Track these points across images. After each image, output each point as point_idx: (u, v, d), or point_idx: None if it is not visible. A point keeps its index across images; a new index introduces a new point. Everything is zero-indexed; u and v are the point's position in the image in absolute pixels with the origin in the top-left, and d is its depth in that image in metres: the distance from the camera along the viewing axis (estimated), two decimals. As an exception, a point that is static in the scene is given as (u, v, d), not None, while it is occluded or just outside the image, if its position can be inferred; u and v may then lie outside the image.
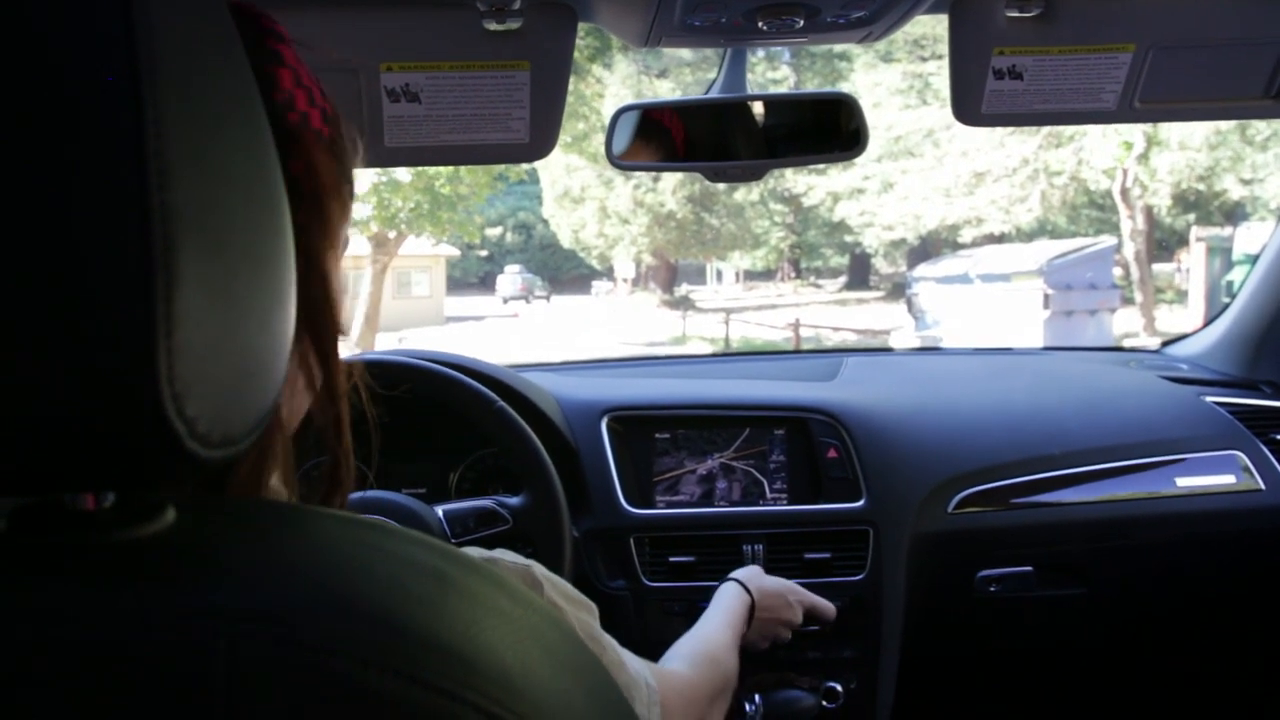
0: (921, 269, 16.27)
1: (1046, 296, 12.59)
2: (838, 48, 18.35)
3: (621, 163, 1.46)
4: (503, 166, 13.43)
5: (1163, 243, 20.53)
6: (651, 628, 1.67)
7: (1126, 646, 2.02)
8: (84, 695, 0.35)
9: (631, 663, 0.95)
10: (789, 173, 19.77)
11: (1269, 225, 14.08)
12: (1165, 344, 2.41)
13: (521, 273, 29.34)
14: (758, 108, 1.48)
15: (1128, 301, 14.58)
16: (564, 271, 32.38)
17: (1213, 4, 1.30)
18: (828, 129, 1.47)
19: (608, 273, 28.56)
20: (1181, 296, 17.13)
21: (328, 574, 0.41)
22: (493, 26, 1.22)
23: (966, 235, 18.20)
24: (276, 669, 0.36)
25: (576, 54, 1.45)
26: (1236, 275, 11.70)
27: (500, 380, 1.63)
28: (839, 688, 1.67)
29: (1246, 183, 14.63)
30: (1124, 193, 14.44)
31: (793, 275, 28.15)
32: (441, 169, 12.78)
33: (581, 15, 1.27)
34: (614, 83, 18.43)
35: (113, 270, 0.35)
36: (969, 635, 1.92)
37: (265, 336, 0.42)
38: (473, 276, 33.68)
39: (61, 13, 0.34)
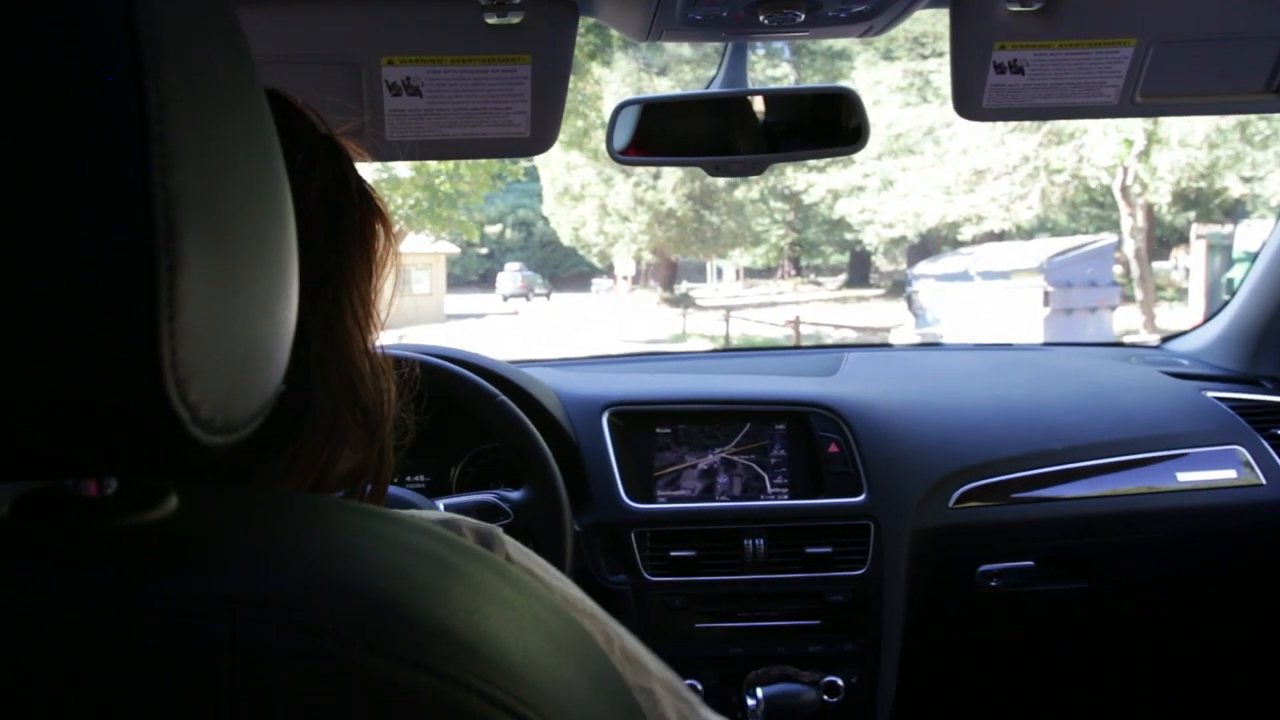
0: (922, 267, 16.28)
1: (1047, 294, 12.59)
2: (838, 45, 18.36)
3: (623, 158, 1.46)
4: (502, 164, 13.45)
5: (1163, 240, 20.52)
6: (652, 622, 1.67)
7: (1127, 640, 2.02)
8: (88, 681, 0.35)
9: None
10: (789, 170, 19.80)
11: (1269, 223, 14.06)
12: (1166, 339, 2.41)
13: (522, 270, 29.35)
14: (758, 103, 1.48)
15: (1128, 299, 14.58)
16: (564, 269, 32.40)
17: None
18: (829, 124, 1.47)
19: (608, 270, 28.57)
20: (1182, 294, 17.12)
21: (332, 560, 0.41)
22: (494, 20, 1.22)
23: (967, 233, 18.20)
24: (281, 654, 0.36)
25: (576, 51, 1.45)
26: (1237, 272, 11.70)
27: (501, 375, 1.63)
28: (840, 682, 1.67)
29: (1247, 180, 14.62)
30: (1124, 190, 14.44)
31: (793, 273, 28.15)
32: (442, 165, 12.79)
33: (583, 9, 1.27)
34: (614, 80, 18.42)
35: (116, 256, 0.35)
36: (970, 629, 1.92)
37: (268, 323, 0.42)
38: (473, 274, 33.70)
39: (64, 2, 0.34)
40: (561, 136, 1.41)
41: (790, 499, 1.75)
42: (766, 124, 1.48)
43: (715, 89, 1.45)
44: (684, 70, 19.42)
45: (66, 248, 0.34)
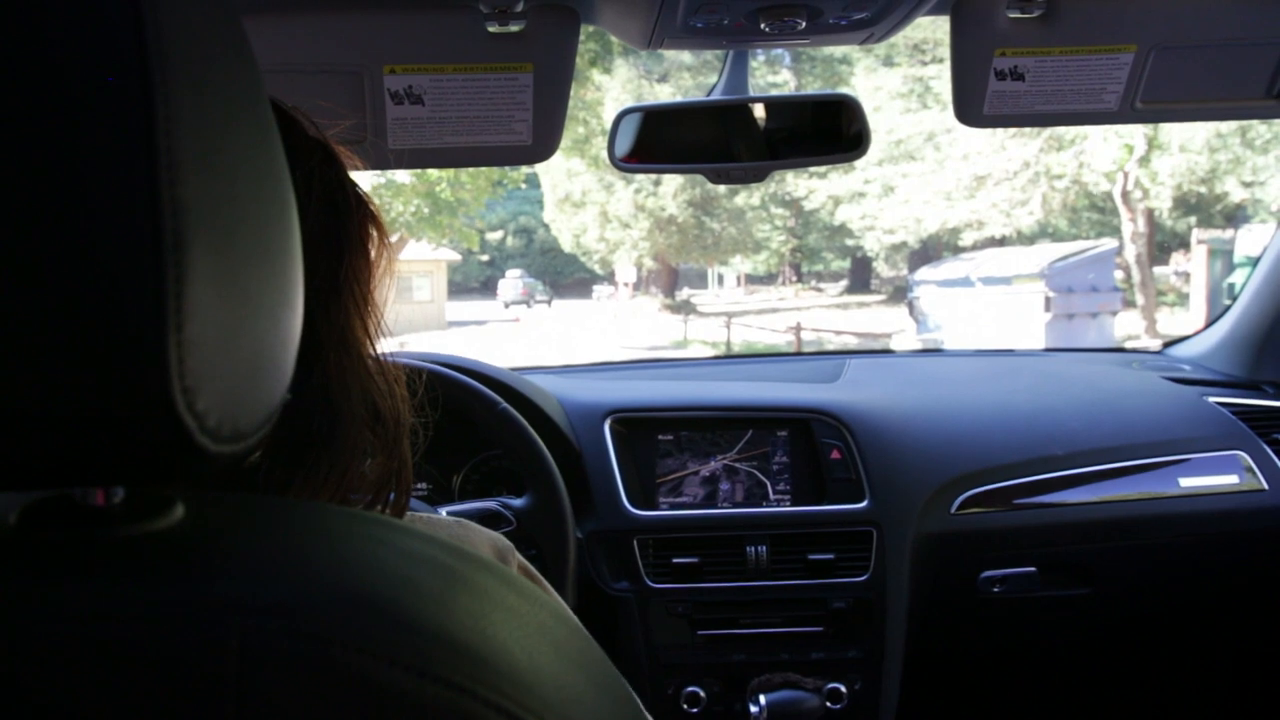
0: (923, 272, 16.27)
1: (1048, 299, 12.58)
2: (838, 52, 18.38)
3: (624, 165, 1.47)
4: (503, 171, 13.46)
5: (1164, 245, 20.52)
6: (654, 629, 1.67)
7: (1130, 646, 2.02)
8: (96, 689, 0.35)
9: None
10: (790, 176, 19.79)
11: (1270, 228, 14.07)
12: (1167, 345, 2.41)
13: (523, 277, 29.35)
14: (759, 109, 1.48)
15: (1129, 304, 14.56)
16: (565, 276, 32.40)
17: (1214, 5, 1.30)
18: (830, 130, 1.47)
19: (609, 277, 28.56)
20: (1183, 299, 17.12)
21: (338, 568, 0.41)
22: (495, 29, 1.23)
23: (967, 238, 18.20)
24: (288, 662, 0.36)
25: (576, 59, 1.45)
26: (1238, 277, 11.71)
27: (504, 382, 1.64)
28: (843, 688, 1.67)
29: (1247, 185, 14.62)
30: (1125, 195, 14.43)
31: (794, 279, 28.15)
32: (442, 173, 12.79)
33: (584, 17, 1.27)
34: (614, 87, 18.44)
35: (124, 265, 0.35)
36: (973, 635, 1.92)
37: (274, 332, 0.42)
38: (474, 281, 33.69)
39: (71, 10, 0.34)
40: (562, 143, 1.41)
41: (792, 505, 1.75)
42: (768, 131, 1.48)
43: (716, 96, 1.45)
44: (684, 77, 19.45)
45: (75, 258, 0.35)
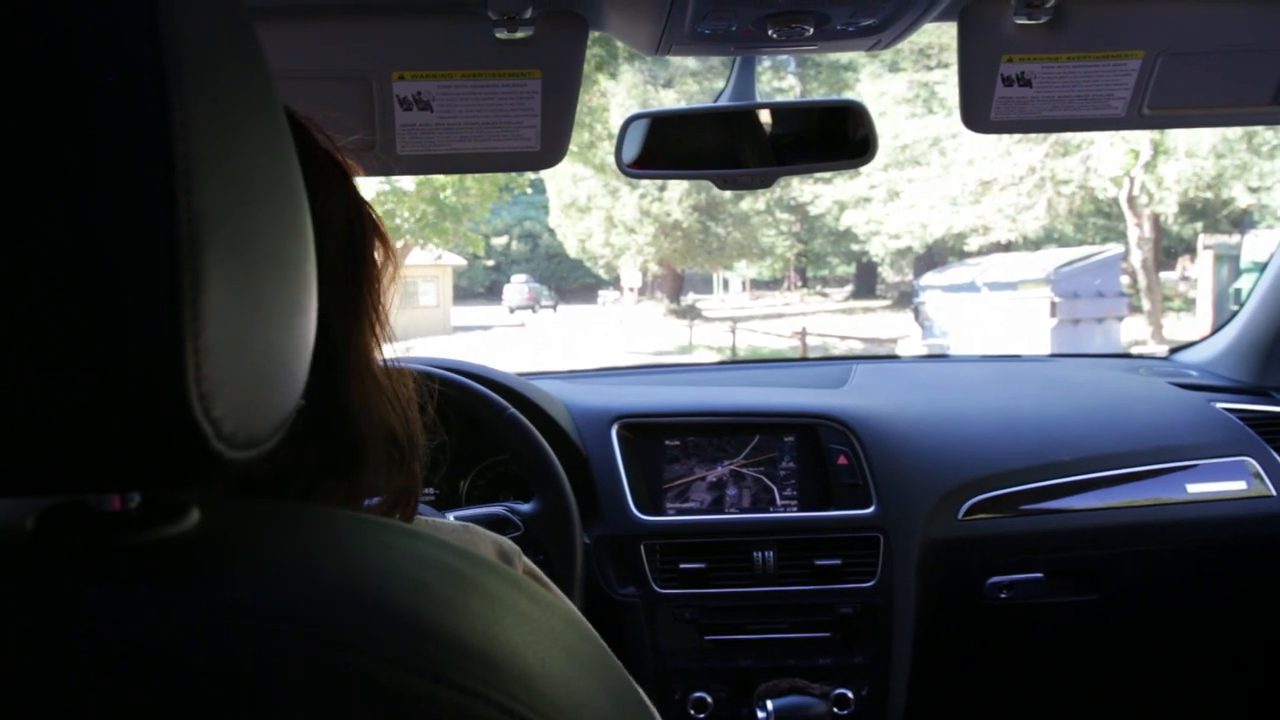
0: (928, 278, 16.25)
1: (1054, 305, 12.56)
2: (844, 57, 18.36)
3: (631, 171, 1.47)
4: (508, 176, 13.48)
5: (1170, 251, 20.48)
6: (661, 634, 1.67)
7: (1138, 652, 2.01)
8: (111, 693, 0.36)
9: None
10: (795, 181, 19.79)
11: (1276, 233, 14.06)
12: (1174, 350, 2.41)
13: (528, 282, 29.36)
14: (766, 115, 1.48)
15: (1135, 309, 14.54)
16: (570, 281, 32.42)
17: (1221, 11, 1.30)
18: (837, 136, 1.48)
19: (614, 282, 28.57)
20: (1189, 304, 17.08)
21: (352, 573, 0.41)
22: (504, 35, 1.23)
23: (973, 244, 18.18)
24: (302, 667, 0.37)
25: (584, 65, 1.45)
26: (1244, 283, 11.68)
27: (511, 388, 1.64)
28: (850, 694, 1.67)
29: (1254, 191, 14.60)
30: (1131, 201, 14.41)
31: (799, 284, 28.14)
32: (447, 178, 12.81)
33: (592, 24, 1.27)
34: (619, 93, 18.46)
35: (140, 272, 0.35)
36: (980, 641, 1.91)
37: (289, 337, 0.42)
38: (479, 286, 33.72)
39: (86, 18, 0.35)
40: (570, 149, 1.42)
41: (799, 511, 1.74)
42: (774, 137, 1.48)
43: (723, 102, 1.45)
44: (689, 83, 19.45)
45: (91, 266, 0.35)
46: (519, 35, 1.23)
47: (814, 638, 1.68)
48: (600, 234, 22.28)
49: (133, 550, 0.41)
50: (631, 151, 1.47)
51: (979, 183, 16.92)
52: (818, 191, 20.49)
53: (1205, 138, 13.62)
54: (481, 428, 1.49)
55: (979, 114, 1.36)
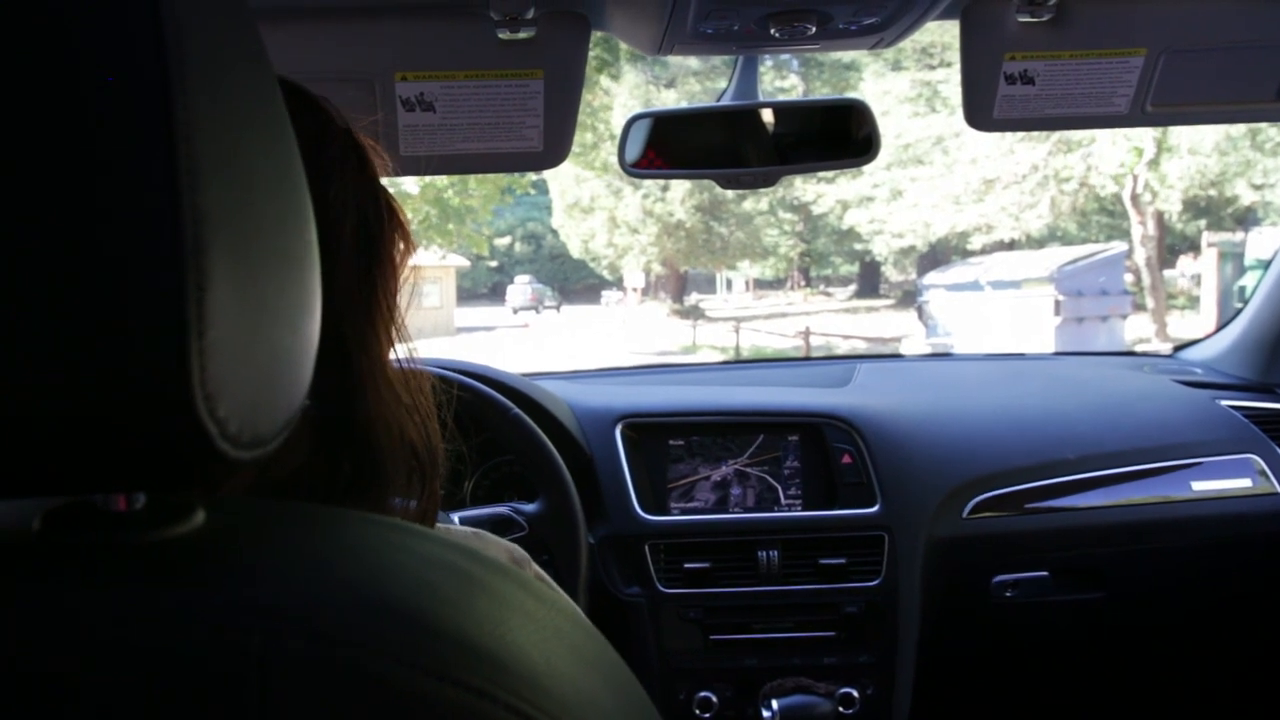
0: (931, 276, 16.25)
1: (1058, 303, 12.55)
2: (846, 56, 18.36)
3: (634, 171, 1.47)
4: (511, 177, 13.49)
5: (1174, 248, 20.45)
6: (666, 634, 1.67)
7: (1144, 650, 2.01)
8: (118, 694, 0.36)
9: None
10: (798, 181, 19.77)
11: (1281, 230, 14.04)
12: (1179, 348, 2.40)
13: (531, 283, 29.38)
14: (769, 115, 1.48)
15: (1139, 307, 14.52)
16: (574, 281, 32.44)
17: (1224, 8, 1.30)
18: (840, 135, 1.48)
19: (617, 282, 28.59)
20: (1193, 302, 17.06)
21: (358, 573, 0.41)
22: (506, 35, 1.23)
23: (976, 242, 18.16)
24: (309, 667, 0.37)
25: (586, 65, 1.46)
26: (1249, 280, 11.66)
27: (515, 388, 1.64)
28: (855, 693, 1.67)
29: (1257, 188, 14.57)
30: (1134, 198, 14.40)
31: (802, 284, 28.13)
32: (450, 179, 12.81)
33: (594, 24, 1.27)
34: (621, 93, 18.46)
35: (145, 273, 0.35)
36: (985, 640, 1.91)
37: (293, 337, 0.42)
38: (483, 287, 33.75)
39: (91, 17, 0.35)
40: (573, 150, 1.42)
41: (804, 510, 1.74)
42: (777, 136, 1.48)
43: (726, 102, 1.45)
44: (691, 82, 19.44)
45: (96, 266, 0.35)
46: (521, 36, 1.23)
47: (819, 637, 1.68)
48: (603, 234, 22.29)
49: (138, 550, 0.41)
50: (634, 151, 1.47)
51: (982, 181, 16.91)
52: (821, 191, 20.48)
53: (1208, 135, 13.59)
54: (486, 428, 1.49)
55: (982, 112, 1.36)
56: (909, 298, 20.51)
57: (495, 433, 1.49)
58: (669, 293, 27.22)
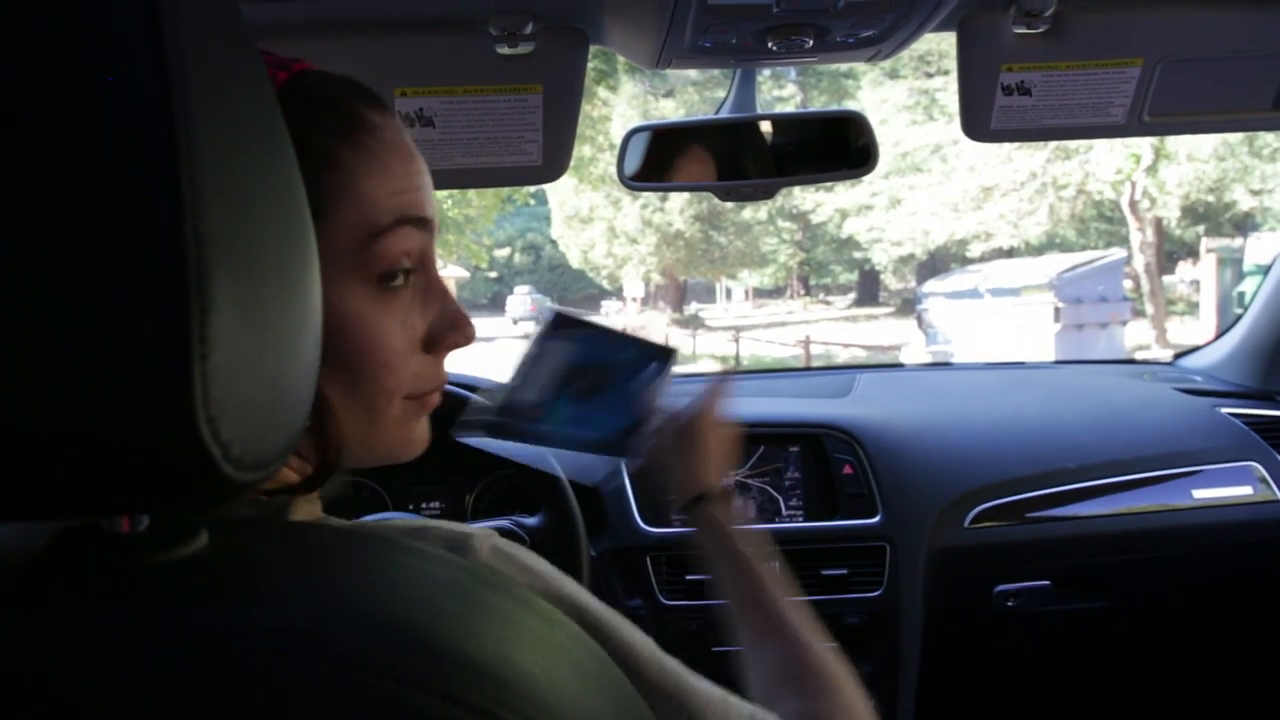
0: (931, 284, 16.25)
1: (1057, 310, 12.55)
2: (843, 65, 18.38)
3: (634, 184, 1.47)
4: (510, 188, 13.51)
5: (1173, 254, 20.47)
6: (668, 646, 1.66)
7: (1147, 658, 2.01)
8: (123, 714, 0.36)
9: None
10: (797, 190, 19.76)
11: (1279, 236, 14.04)
12: (1178, 356, 2.41)
13: (531, 293, 29.35)
14: (767, 127, 1.49)
15: (1139, 314, 14.53)
16: (573, 291, 32.42)
17: (1220, 17, 1.30)
18: (838, 147, 1.48)
19: (617, 292, 28.58)
20: (1193, 308, 17.06)
21: (361, 592, 0.41)
22: (505, 50, 1.24)
23: (975, 250, 18.17)
24: (312, 686, 0.37)
25: (585, 79, 1.47)
26: (1248, 286, 11.67)
27: None
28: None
29: (1255, 193, 14.59)
30: (1133, 205, 14.41)
31: (802, 292, 28.14)
32: (449, 191, 12.83)
33: (593, 38, 1.28)
34: (619, 103, 18.49)
35: (148, 296, 0.35)
36: (988, 650, 1.91)
37: (295, 359, 0.43)
38: (482, 297, 33.74)
39: (93, 44, 0.35)
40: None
41: (805, 521, 1.74)
42: (776, 148, 1.48)
43: (724, 114, 1.45)
44: (689, 92, 19.48)
45: (100, 291, 0.35)
46: (520, 50, 1.24)
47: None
48: (603, 244, 22.30)
49: (143, 572, 0.41)
50: (633, 164, 1.47)
51: (980, 189, 16.92)
52: (819, 199, 20.50)
53: (1206, 141, 13.61)
54: None
55: (979, 123, 1.36)
56: (908, 306, 20.51)
57: None
58: (668, 302, 27.22)
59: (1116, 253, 14.54)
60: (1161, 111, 1.36)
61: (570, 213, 22.38)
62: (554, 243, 26.24)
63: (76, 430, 0.36)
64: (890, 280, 25.55)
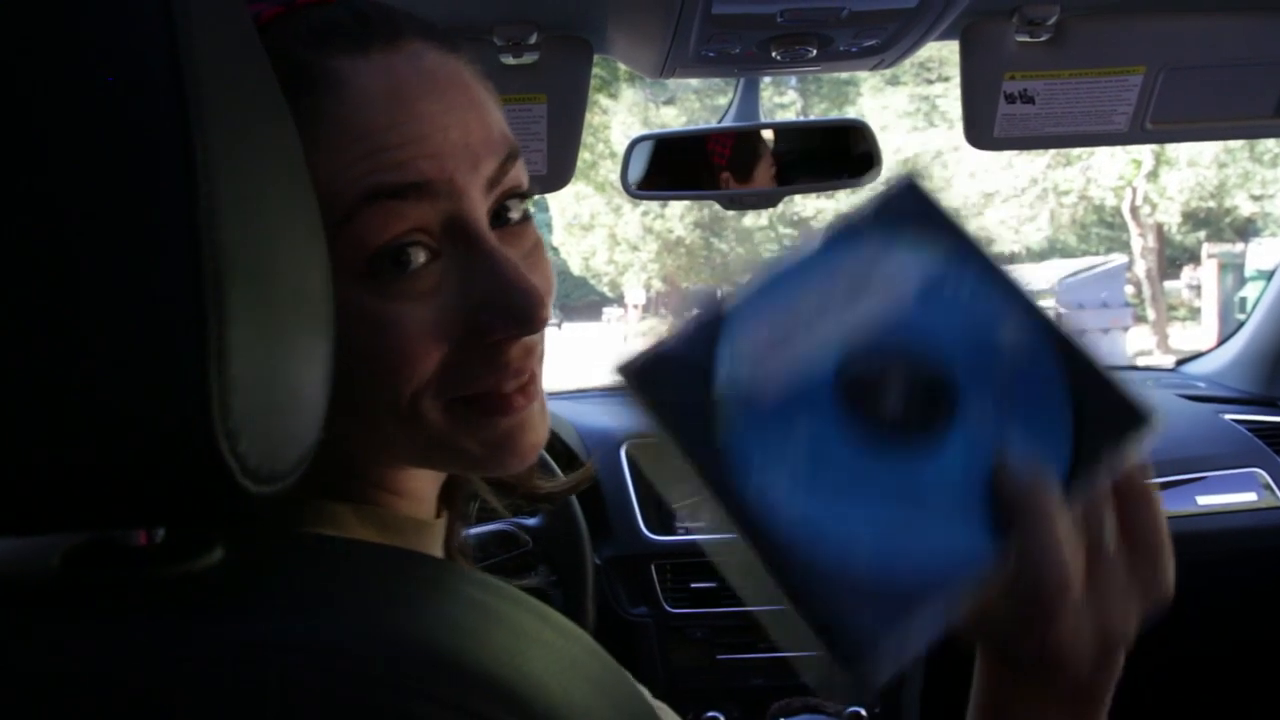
0: (932, 290, 16.21)
1: (1059, 316, 12.53)
2: (844, 73, 18.36)
3: (638, 192, 1.48)
4: (511, 195, 13.48)
5: (1174, 260, 20.45)
6: (673, 654, 1.67)
7: (1150, 664, 2.00)
8: None
9: None
10: (798, 197, 19.77)
11: (1281, 241, 14.03)
12: (1181, 362, 2.40)
13: (532, 299, 29.30)
14: (770, 135, 1.49)
15: (1140, 319, 14.51)
16: (574, 299, 32.40)
17: (1222, 25, 1.30)
18: (841, 155, 1.48)
19: (618, 299, 28.57)
20: (1195, 313, 17.04)
21: (376, 606, 0.42)
22: (510, 60, 1.24)
23: (976, 256, 18.14)
24: (327, 701, 0.37)
25: (589, 88, 1.47)
26: (1250, 291, 11.65)
27: None
28: (864, 712, 1.66)
29: (1257, 199, 14.58)
30: (1134, 211, 14.41)
31: (803, 298, 28.08)
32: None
33: (597, 48, 1.28)
34: (620, 110, 18.49)
35: (165, 309, 0.35)
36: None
37: (311, 371, 0.43)
38: (483, 305, 33.71)
39: (110, 56, 0.35)
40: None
41: None
42: (779, 156, 1.49)
43: (728, 123, 1.46)
44: (690, 99, 19.47)
45: (117, 304, 0.35)
46: (525, 60, 1.24)
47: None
48: (604, 251, 22.28)
49: (158, 586, 0.41)
50: (637, 172, 1.48)
51: (981, 195, 16.91)
52: (820, 205, 20.43)
53: (1207, 147, 13.58)
54: None
55: (982, 131, 1.37)
56: (910, 312, 20.43)
57: None
58: (670, 309, 27.20)
59: (1118, 258, 14.53)
60: (1164, 119, 1.36)
61: (571, 220, 22.37)
62: (555, 250, 26.22)
63: (94, 443, 0.36)
64: (892, 286, 25.48)
